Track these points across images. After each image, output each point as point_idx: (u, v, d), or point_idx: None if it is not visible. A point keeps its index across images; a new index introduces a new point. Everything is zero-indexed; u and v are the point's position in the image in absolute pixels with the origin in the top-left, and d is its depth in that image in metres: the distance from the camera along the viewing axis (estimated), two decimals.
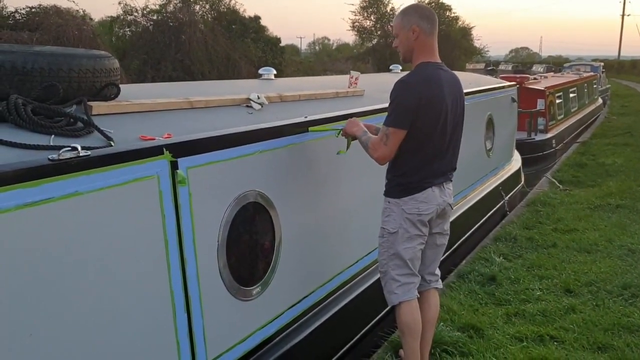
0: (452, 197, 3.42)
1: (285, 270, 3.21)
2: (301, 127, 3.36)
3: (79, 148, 2.13)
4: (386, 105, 4.12)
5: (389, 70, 7.79)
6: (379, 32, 45.91)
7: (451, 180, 3.43)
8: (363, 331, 3.94)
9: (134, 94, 3.25)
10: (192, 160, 2.59)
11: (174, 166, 2.50)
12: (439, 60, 3.30)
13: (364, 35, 46.74)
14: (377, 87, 5.27)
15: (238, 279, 2.88)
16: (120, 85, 3.61)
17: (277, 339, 3.17)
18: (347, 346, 3.75)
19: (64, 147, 2.13)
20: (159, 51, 25.76)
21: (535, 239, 6.11)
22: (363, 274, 4.06)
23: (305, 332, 3.36)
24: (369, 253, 4.15)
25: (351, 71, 4.89)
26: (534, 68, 41.17)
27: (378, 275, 3.94)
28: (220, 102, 3.39)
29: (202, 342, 2.64)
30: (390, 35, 46.35)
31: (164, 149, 2.45)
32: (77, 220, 2.11)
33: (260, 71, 5.09)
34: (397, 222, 3.22)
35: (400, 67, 7.70)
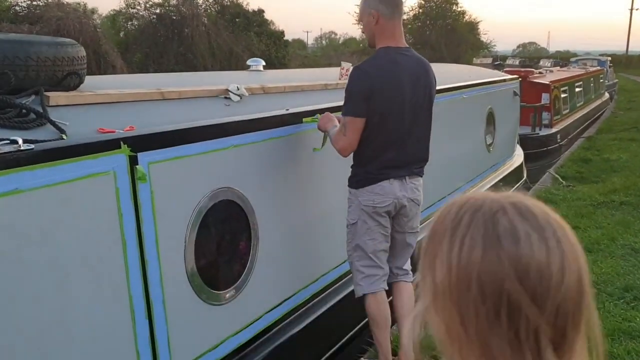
0: (417, 193, 3.24)
1: (263, 272, 3.02)
2: (282, 120, 3.17)
3: (20, 141, 1.94)
4: None
5: None
6: None
7: (418, 175, 3.26)
8: (349, 335, 3.75)
9: (103, 84, 3.06)
10: (154, 155, 2.40)
11: (133, 161, 2.31)
12: (402, 45, 3.15)
13: None
14: None
15: (208, 282, 2.69)
16: (92, 76, 3.43)
17: (254, 344, 2.98)
18: (331, 351, 3.56)
19: (3, 139, 1.94)
20: (161, 45, 25.70)
21: None
22: (350, 275, 3.86)
23: (285, 337, 3.18)
24: None
25: (342, 62, 4.69)
26: (541, 63, 40.79)
27: None
28: (195, 93, 3.19)
29: (166, 351, 2.46)
30: None
31: (121, 143, 2.26)
32: (18, 221, 1.93)
33: (249, 62, 4.90)
34: (355, 213, 3.15)
35: None
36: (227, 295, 2.80)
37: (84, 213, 2.14)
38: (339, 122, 3.17)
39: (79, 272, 2.13)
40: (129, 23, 27.94)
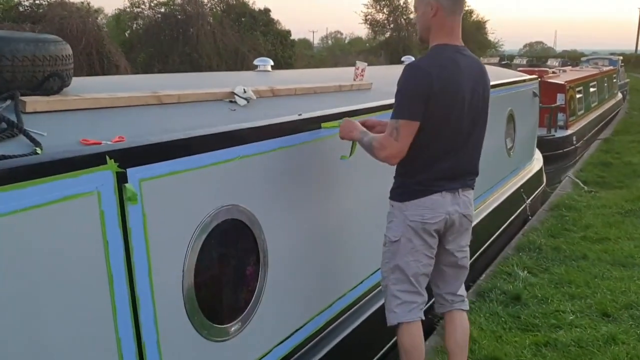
0: (470, 208, 2.89)
1: (272, 301, 2.65)
2: (295, 127, 2.80)
3: None
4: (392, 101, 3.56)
5: (401, 62, 7.18)
6: (391, 26, 45.45)
7: (471, 188, 2.91)
8: None
9: (93, 87, 2.71)
10: (146, 170, 2.03)
11: (122, 179, 1.94)
12: (460, 44, 2.79)
13: (376, 29, 46.32)
14: (387, 80, 4.69)
15: (211, 316, 2.33)
16: (82, 78, 3.08)
17: None
18: None
19: None
20: (166, 44, 25.44)
21: (562, 249, 5.50)
22: (368, 296, 3.50)
23: None
24: (375, 272, 3.58)
25: (357, 62, 4.32)
26: (548, 62, 40.38)
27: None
28: (197, 96, 2.83)
29: None
30: (403, 29, 45.93)
31: (107, 157, 1.89)
32: None
33: (256, 62, 4.53)
34: (399, 229, 2.78)
35: (413, 59, 7.11)
36: (232, 329, 2.43)
37: (61, 243, 1.78)
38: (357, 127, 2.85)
39: (56, 314, 1.77)
40: (134, 22, 27.67)
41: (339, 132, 2.90)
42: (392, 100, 3.81)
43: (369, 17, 46.05)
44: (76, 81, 2.79)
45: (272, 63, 4.50)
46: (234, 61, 25.14)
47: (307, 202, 2.92)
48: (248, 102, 2.94)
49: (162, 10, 26.47)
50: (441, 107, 2.63)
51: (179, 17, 25.95)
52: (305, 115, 2.90)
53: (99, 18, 26.69)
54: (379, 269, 3.60)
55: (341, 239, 3.24)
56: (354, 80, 4.15)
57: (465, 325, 3.00)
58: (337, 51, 50.50)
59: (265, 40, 27.78)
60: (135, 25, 27.99)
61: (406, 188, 2.78)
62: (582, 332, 3.80)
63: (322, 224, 3.05)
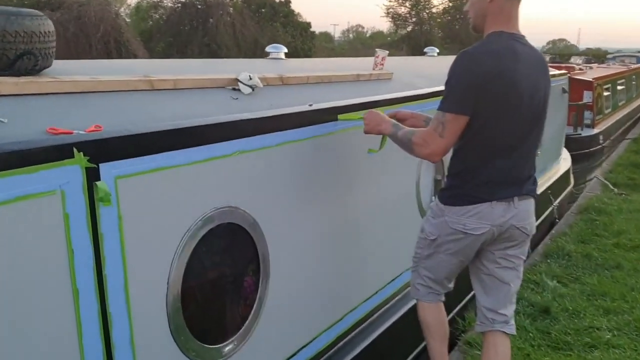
0: (527, 219, 2.53)
1: (274, 315, 2.33)
2: (303, 118, 2.47)
3: None
4: (419, 91, 3.21)
5: (424, 54, 6.82)
6: (413, 19, 45.01)
7: (531, 196, 2.55)
8: None
9: (78, 69, 2.40)
10: (124, 165, 1.72)
11: (93, 175, 1.63)
12: (518, 32, 2.46)
13: (398, 22, 45.89)
14: (409, 71, 4.36)
15: (200, 335, 2.01)
16: (68, 61, 2.78)
17: None
18: None
19: None
20: (185, 34, 25.30)
21: (593, 256, 5.11)
22: (384, 308, 3.17)
23: None
24: (392, 280, 3.26)
25: (377, 49, 3.97)
26: (572, 60, 39.53)
27: (404, 308, 3.09)
28: (195, 83, 2.51)
29: None
30: (425, 23, 45.38)
31: (74, 149, 1.58)
32: None
33: (268, 49, 4.20)
34: (438, 230, 2.56)
35: (437, 51, 6.74)
36: (226, 349, 2.12)
37: (13, 252, 1.48)
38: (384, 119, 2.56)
39: (8, 336, 1.48)
40: (154, 12, 27.54)
41: (363, 126, 2.58)
42: (415, 92, 3.51)
43: (390, 10, 45.60)
44: (61, 63, 2.50)
45: (285, 50, 4.16)
46: (253, 52, 24.86)
47: (316, 205, 2.59)
48: (253, 90, 2.61)
49: (183, 0, 26.27)
50: (495, 100, 2.32)
51: (199, 7, 25.75)
52: (316, 106, 2.57)
53: (122, 8, 26.60)
54: (395, 277, 3.29)
55: (354, 246, 2.91)
56: (373, 69, 3.81)
57: (506, 351, 2.63)
58: (358, 44, 50.02)
59: (285, 32, 27.45)
60: (155, 15, 27.86)
61: (454, 191, 2.50)
62: (621, 354, 3.41)
63: (332, 229, 2.72)
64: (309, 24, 29.96)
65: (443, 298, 2.75)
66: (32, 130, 1.67)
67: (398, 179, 3.24)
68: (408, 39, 43.26)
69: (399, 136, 2.48)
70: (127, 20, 26.55)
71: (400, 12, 45.62)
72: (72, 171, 1.58)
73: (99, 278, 1.67)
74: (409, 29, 45.53)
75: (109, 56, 18.48)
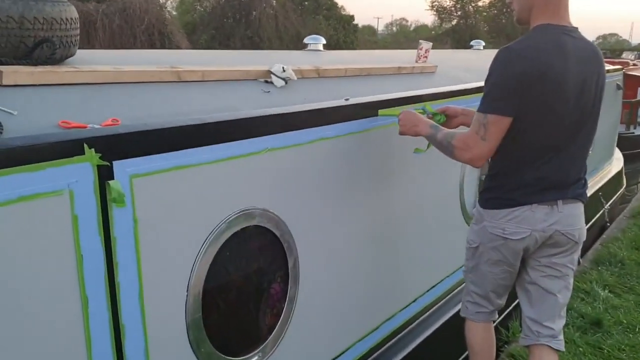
0: (575, 224, 2.32)
1: (303, 325, 2.17)
2: (339, 113, 2.29)
3: None
4: (465, 86, 2.99)
5: (470, 47, 6.55)
6: (458, 13, 44.29)
7: (579, 199, 2.34)
8: None
9: (103, 59, 2.28)
10: (140, 163, 1.58)
11: (105, 174, 1.50)
12: (568, 24, 2.25)
13: (442, 16, 45.21)
14: (454, 64, 4.13)
15: (222, 346, 1.87)
16: (92, 50, 2.66)
17: None
18: None
19: None
20: (228, 27, 25.40)
21: None
22: (423, 316, 2.98)
23: None
24: (433, 287, 3.06)
25: (420, 41, 3.76)
26: (623, 55, 38.16)
27: (444, 317, 2.90)
28: (226, 74, 2.36)
29: None
30: (471, 17, 44.60)
31: (85, 145, 1.45)
32: None
33: (306, 40, 4.05)
34: (478, 236, 2.43)
35: (484, 44, 6.46)
36: None
37: (17, 257, 1.35)
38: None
39: (13, 349, 1.35)
40: (198, 4, 27.74)
41: (397, 126, 2.40)
42: (460, 87, 3.30)
43: (435, 3, 44.93)
44: (86, 53, 2.39)
45: (324, 41, 4.00)
46: (295, 45, 24.76)
47: (351, 207, 2.41)
48: (286, 83, 2.45)
49: None
50: (539, 99, 2.13)
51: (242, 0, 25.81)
52: (354, 100, 2.39)
53: (169, 1, 26.88)
54: (436, 284, 3.09)
55: (392, 251, 2.72)
56: (416, 61, 3.60)
57: None
58: (402, 38, 49.45)
59: (328, 25, 27.26)
60: (199, 7, 28.06)
61: (493, 194, 2.35)
62: None
63: (368, 233, 2.54)
64: (352, 17, 29.68)
65: (494, 317, 2.57)
66: (42, 124, 1.55)
67: (440, 179, 3.04)
68: (452, 32, 42.55)
69: (438, 138, 2.31)
70: (174, 13, 26.81)
71: (445, 5, 44.95)
72: (81, 169, 1.45)
73: (111, 286, 1.53)
74: (454, 22, 44.80)
75: (152, 48, 18.64)
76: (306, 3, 28.20)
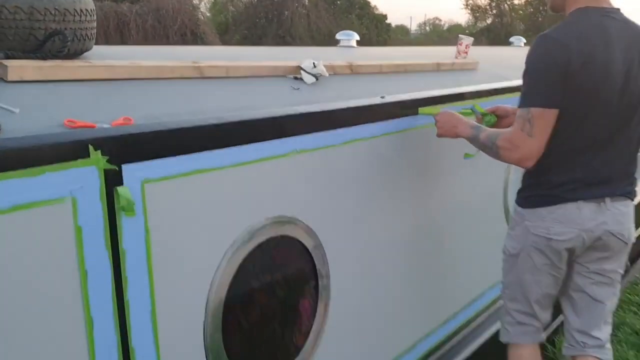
0: (624, 224, 2.13)
1: (334, 344, 1.98)
2: (375, 112, 2.09)
3: None
4: (509, 83, 2.77)
5: (509, 44, 6.28)
6: (494, 11, 43.60)
7: (627, 197, 2.15)
8: None
9: (121, 54, 2.13)
10: (153, 167, 1.41)
11: (114, 179, 1.33)
12: (608, 5, 2.09)
13: (477, 14, 44.53)
14: (494, 61, 3.90)
15: None
16: (110, 47, 2.54)
17: None
18: None
19: None
20: (260, 27, 25.40)
21: None
22: (464, 332, 2.76)
23: None
24: (475, 300, 2.84)
25: (460, 35, 3.54)
26: None
27: (487, 332, 2.70)
28: (252, 70, 2.20)
29: None
30: (506, 15, 43.87)
31: (90, 147, 1.28)
32: None
33: (338, 36, 3.85)
34: (519, 241, 2.20)
35: (524, 40, 6.18)
36: None
37: (13, 273, 1.20)
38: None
39: None
40: (231, 4, 27.85)
41: (436, 128, 2.20)
42: (504, 84, 3.07)
43: (470, 2, 44.29)
44: (104, 48, 2.25)
45: (357, 37, 3.80)
46: (327, 44, 24.67)
47: (387, 215, 2.21)
48: (317, 79, 2.27)
49: None
50: (582, 89, 1.96)
51: None
52: (390, 98, 2.19)
53: (202, 3, 27.04)
54: (478, 296, 2.87)
55: (431, 263, 2.51)
56: (456, 57, 3.39)
57: None
58: (435, 37, 48.91)
59: (360, 24, 27.04)
60: (231, 7, 28.16)
61: (533, 191, 2.15)
62: None
63: (406, 243, 2.33)
64: (385, 16, 29.39)
65: (542, 337, 2.31)
66: (46, 123, 1.40)
67: (483, 184, 2.82)
68: (487, 31, 41.84)
69: (480, 140, 2.11)
70: (207, 14, 26.95)
71: (480, 4, 44.26)
72: (86, 174, 1.28)
73: (120, 305, 1.36)
74: (489, 21, 44.10)
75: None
76: (339, 2, 28.05)
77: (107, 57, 1.96)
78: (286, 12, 25.31)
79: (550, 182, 2.08)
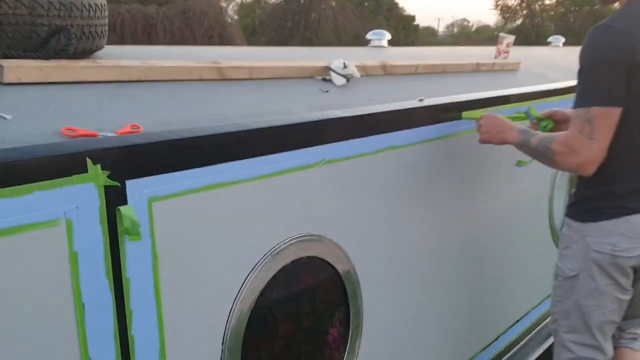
0: None
1: None
2: (413, 116, 1.89)
3: None
4: (557, 85, 2.54)
5: (547, 44, 6.00)
6: (524, 12, 42.94)
7: None
8: None
9: (135, 54, 1.96)
10: (161, 182, 1.22)
11: (115, 197, 1.15)
12: None
13: (507, 15, 43.90)
14: (536, 61, 3.65)
15: None
16: (130, 46, 2.35)
17: None
18: None
19: None
20: (287, 29, 25.37)
21: None
22: (508, 355, 2.53)
23: None
24: (517, 321, 2.62)
25: (500, 34, 3.30)
26: None
27: (531, 356, 2.47)
28: (277, 72, 2.01)
29: None
30: (537, 16, 43.20)
31: (88, 160, 1.10)
32: None
33: (369, 35, 3.65)
34: (577, 261, 1.96)
35: (563, 39, 5.89)
36: None
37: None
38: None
39: None
40: (258, 7, 27.87)
41: (478, 133, 1.98)
42: (549, 86, 2.83)
43: (500, 2, 43.66)
44: (118, 48, 2.08)
45: (389, 36, 3.59)
46: (355, 46, 24.52)
47: (426, 232, 2.00)
48: (348, 81, 2.08)
49: None
50: None
51: (302, 1, 25.71)
52: (429, 101, 1.97)
53: (230, 5, 27.10)
54: (519, 319, 2.64)
55: (472, 285, 2.29)
56: (496, 57, 3.16)
57: None
58: (463, 38, 48.34)
59: (388, 25, 26.78)
60: (258, 10, 28.18)
61: (593, 203, 1.92)
62: None
63: (447, 263, 2.12)
64: (413, 17, 29.08)
65: None
66: (41, 131, 1.22)
67: (527, 194, 2.59)
68: (517, 32, 41.18)
69: (532, 145, 1.88)
70: (235, 17, 27.00)
71: (510, 4, 43.61)
72: (83, 191, 1.10)
73: (123, 343, 1.18)
74: (519, 22, 43.41)
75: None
76: (366, 4, 27.83)
77: (119, 57, 1.79)
78: (313, 14, 25.21)
79: (615, 191, 1.85)
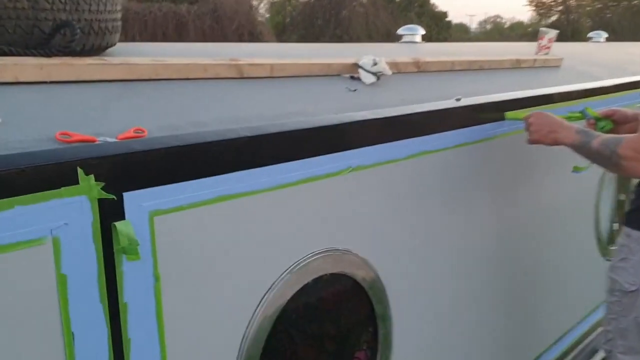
0: None
1: None
2: (451, 118, 1.71)
3: None
4: (604, 83, 2.33)
5: (586, 40, 5.73)
6: (559, 8, 42.09)
7: None
8: None
9: (148, 52, 1.83)
10: (164, 194, 1.08)
11: (111, 211, 1.01)
12: None
13: (542, 11, 43.10)
14: (578, 57, 3.43)
15: None
16: (144, 43, 2.19)
17: None
18: None
19: None
20: (317, 27, 25.26)
21: None
22: None
23: None
24: (560, 338, 2.42)
25: (541, 29, 3.10)
26: None
27: None
28: (301, 69, 1.86)
29: None
30: (573, 12, 42.29)
31: (80, 170, 0.96)
32: None
33: (400, 31, 3.49)
34: (638, 273, 1.82)
35: (606, 35, 5.61)
36: None
37: None
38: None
39: None
40: (288, 5, 27.84)
41: (526, 133, 1.79)
42: (595, 84, 2.62)
43: None
44: (131, 45, 1.96)
45: (422, 31, 3.42)
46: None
47: (462, 245, 1.82)
48: (378, 79, 1.91)
49: None
50: None
51: None
52: (467, 101, 1.80)
53: (262, 4, 27.13)
54: (562, 336, 2.45)
55: (510, 301, 2.11)
56: (537, 53, 2.95)
57: None
58: (496, 35, 47.55)
59: (420, 22, 26.45)
60: (289, 8, 28.16)
61: None
62: None
63: (483, 278, 1.94)
64: (445, 14, 28.69)
65: None
66: (32, 136, 1.09)
67: (572, 202, 2.39)
68: (552, 28, 40.46)
69: (592, 147, 1.67)
70: (266, 15, 27.00)
71: (544, 0, 42.81)
72: (73, 206, 0.97)
73: None
74: (554, 18, 42.54)
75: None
76: (397, 0, 27.55)
77: (131, 54, 1.66)
78: (344, 12, 25.04)
79: None
